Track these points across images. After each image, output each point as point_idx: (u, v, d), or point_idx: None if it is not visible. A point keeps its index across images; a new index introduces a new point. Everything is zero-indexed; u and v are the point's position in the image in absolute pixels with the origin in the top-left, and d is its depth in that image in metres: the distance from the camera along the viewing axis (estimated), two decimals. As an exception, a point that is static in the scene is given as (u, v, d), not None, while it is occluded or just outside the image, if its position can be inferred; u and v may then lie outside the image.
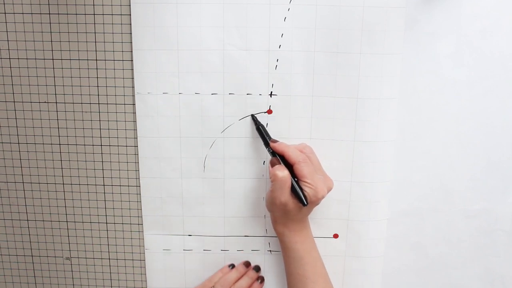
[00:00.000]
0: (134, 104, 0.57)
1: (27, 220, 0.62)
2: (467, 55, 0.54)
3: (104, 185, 0.60)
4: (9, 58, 0.56)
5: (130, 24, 0.54)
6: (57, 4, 0.54)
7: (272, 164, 0.53)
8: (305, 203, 0.51)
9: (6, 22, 0.55)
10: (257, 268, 0.61)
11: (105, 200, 0.60)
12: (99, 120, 0.58)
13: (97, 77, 0.56)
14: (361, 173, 0.57)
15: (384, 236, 0.60)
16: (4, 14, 0.55)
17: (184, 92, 0.56)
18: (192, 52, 0.55)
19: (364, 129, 0.56)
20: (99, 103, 0.57)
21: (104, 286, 0.63)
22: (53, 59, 0.56)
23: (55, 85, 0.57)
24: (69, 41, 0.55)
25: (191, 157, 0.58)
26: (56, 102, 0.57)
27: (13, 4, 0.54)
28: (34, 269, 0.64)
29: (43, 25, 0.55)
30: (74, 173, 0.60)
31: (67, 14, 0.54)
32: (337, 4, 0.52)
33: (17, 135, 0.59)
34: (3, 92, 0.57)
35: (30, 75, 0.57)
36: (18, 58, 0.56)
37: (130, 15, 0.54)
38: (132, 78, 0.56)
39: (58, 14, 0.54)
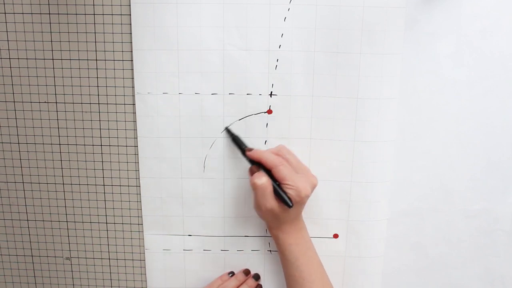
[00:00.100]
0: (134, 104, 0.57)
1: (27, 220, 0.62)
2: (467, 55, 0.54)
3: (104, 185, 0.60)
4: (9, 58, 0.56)
5: (130, 24, 0.54)
6: (57, 4, 0.54)
7: (252, 172, 0.53)
8: (290, 205, 0.51)
9: (6, 22, 0.55)
10: (257, 277, 0.61)
11: (105, 200, 0.60)
12: (99, 120, 0.58)
13: (97, 77, 0.56)
14: (361, 173, 0.57)
15: (384, 236, 0.60)
16: (4, 14, 0.55)
17: (184, 92, 0.56)
18: (192, 52, 0.55)
19: (364, 129, 0.56)
20: (99, 103, 0.57)
21: (104, 286, 0.63)
22: (53, 59, 0.56)
23: (55, 85, 0.57)
24: (69, 41, 0.55)
25: (191, 157, 0.58)
26: (56, 102, 0.57)
27: (13, 4, 0.54)
28: (34, 269, 0.64)
29: (43, 25, 0.55)
30: (74, 173, 0.60)
31: (67, 14, 0.54)
32: (337, 4, 0.52)
33: (17, 135, 0.59)
34: (3, 92, 0.57)
35: (30, 75, 0.57)
36: (18, 58, 0.56)
37: (130, 15, 0.54)
38: (132, 78, 0.56)
39: (58, 14, 0.54)
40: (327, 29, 0.53)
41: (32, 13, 0.55)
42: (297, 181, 0.51)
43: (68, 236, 0.62)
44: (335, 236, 0.60)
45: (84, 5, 0.54)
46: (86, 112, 0.57)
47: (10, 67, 0.56)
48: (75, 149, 0.59)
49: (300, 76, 0.55)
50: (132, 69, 0.56)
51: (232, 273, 0.61)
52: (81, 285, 0.64)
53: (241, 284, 0.60)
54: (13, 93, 0.57)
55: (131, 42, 0.55)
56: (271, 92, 0.56)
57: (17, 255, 0.63)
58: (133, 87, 0.56)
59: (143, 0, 0.53)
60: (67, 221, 0.62)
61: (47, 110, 0.58)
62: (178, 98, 0.56)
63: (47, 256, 0.63)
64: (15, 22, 0.55)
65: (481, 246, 0.60)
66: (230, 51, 0.54)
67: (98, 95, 0.57)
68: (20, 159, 0.59)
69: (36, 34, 0.55)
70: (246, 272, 0.61)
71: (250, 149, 0.54)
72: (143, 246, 0.61)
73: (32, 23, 0.55)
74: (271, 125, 0.57)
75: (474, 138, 0.57)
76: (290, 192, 0.51)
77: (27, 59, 0.56)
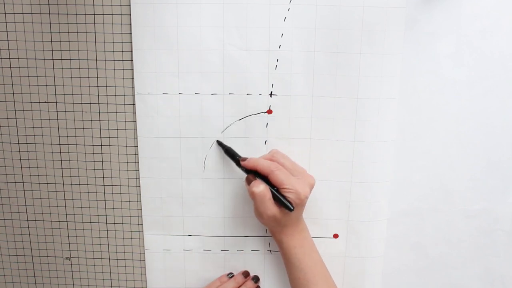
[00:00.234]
0: (134, 104, 0.57)
1: (27, 220, 0.62)
2: (467, 55, 0.54)
3: (104, 185, 0.60)
4: (9, 58, 0.56)
5: (130, 24, 0.54)
6: (57, 4, 0.54)
7: (249, 182, 0.53)
8: (292, 208, 0.51)
9: (6, 22, 0.55)
10: (256, 279, 0.61)
11: (105, 200, 0.60)
12: (99, 120, 0.58)
13: (97, 77, 0.56)
14: (361, 173, 0.57)
15: (384, 236, 0.60)
16: (4, 14, 0.55)
17: (184, 92, 0.56)
18: (192, 52, 0.55)
19: (364, 129, 0.56)
20: (99, 103, 0.57)
21: (104, 286, 0.63)
22: (53, 59, 0.56)
23: (55, 85, 0.57)
24: (69, 41, 0.55)
25: (191, 157, 0.58)
26: (56, 102, 0.57)
27: (13, 4, 0.54)
28: (34, 269, 0.64)
29: (43, 25, 0.55)
30: (74, 173, 0.60)
31: (67, 14, 0.54)
32: (337, 4, 0.52)
33: (17, 135, 0.59)
34: (3, 92, 0.57)
35: (30, 75, 0.57)
36: (18, 58, 0.56)
37: (130, 15, 0.54)
38: (132, 78, 0.56)
39: (58, 14, 0.54)
40: (327, 29, 0.53)
41: (32, 13, 0.55)
42: (295, 184, 0.51)
43: (68, 236, 0.62)
44: (335, 236, 0.60)
45: (84, 5, 0.54)
46: (86, 112, 0.57)
47: (10, 67, 0.56)
48: (75, 149, 0.59)
49: (300, 76, 0.55)
50: (132, 69, 0.56)
51: (231, 274, 0.61)
52: (81, 285, 0.64)
53: (240, 286, 0.60)
54: (13, 93, 0.57)
55: (131, 42, 0.55)
56: (271, 92, 0.56)
57: (17, 255, 0.63)
58: (133, 87, 0.56)
59: (143, 0, 0.53)
60: (67, 221, 0.62)
61: (47, 110, 0.58)
62: (178, 98, 0.56)
63: (47, 256, 0.63)
64: (15, 22, 0.55)
65: (481, 246, 0.60)
66: (230, 51, 0.54)
67: (98, 95, 0.57)
68: (20, 159, 0.59)
69: (36, 34, 0.55)
70: (246, 274, 0.61)
71: (244, 159, 0.54)
72: (143, 246, 0.61)
73: (32, 23, 0.55)
74: (271, 125, 0.57)
75: (474, 138, 0.57)
76: (290, 195, 0.51)
77: (27, 59, 0.56)
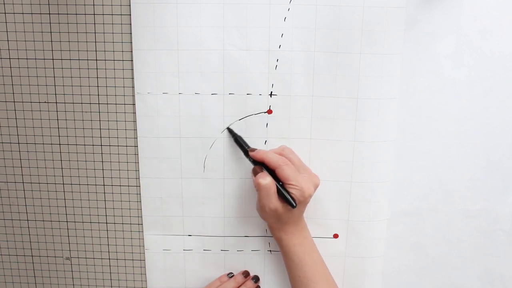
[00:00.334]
0: (134, 104, 0.57)
1: (27, 220, 0.62)
2: (467, 55, 0.54)
3: (104, 185, 0.60)
4: (9, 58, 0.56)
5: (130, 24, 0.54)
6: (57, 4, 0.54)
7: (255, 173, 0.53)
8: (294, 205, 0.51)
9: (6, 22, 0.55)
10: (256, 279, 0.61)
11: (105, 200, 0.60)
12: (99, 120, 0.58)
13: (97, 77, 0.56)
14: (361, 173, 0.57)
15: (384, 236, 0.60)
16: (4, 14, 0.55)
17: (184, 92, 0.56)
18: (192, 52, 0.55)
19: (364, 129, 0.56)
20: (99, 103, 0.57)
21: (104, 286, 0.63)
22: (53, 59, 0.56)
23: (55, 85, 0.57)
24: (69, 41, 0.55)
25: (191, 157, 0.58)
26: (56, 102, 0.57)
27: (13, 4, 0.54)
28: (34, 269, 0.64)
29: (43, 25, 0.55)
30: (74, 173, 0.60)
31: (67, 14, 0.54)
32: (337, 4, 0.52)
33: (17, 135, 0.59)
34: (3, 92, 0.57)
35: (30, 75, 0.57)
36: (18, 58, 0.56)
37: (130, 15, 0.54)
38: (132, 78, 0.56)
39: (58, 14, 0.54)
40: (327, 29, 0.53)
41: (32, 13, 0.55)
42: (301, 181, 0.51)
43: (68, 236, 0.62)
44: (335, 236, 0.60)
45: (84, 5, 0.54)
46: (86, 112, 0.57)
47: (10, 67, 0.56)
48: (75, 149, 0.59)
49: (300, 76, 0.55)
50: (132, 69, 0.55)
51: (231, 274, 0.61)
52: (81, 285, 0.64)
53: (240, 286, 0.60)
54: (13, 93, 0.57)
55: (131, 42, 0.55)
56: (271, 92, 0.56)
57: (17, 255, 0.63)
58: (133, 87, 0.56)
59: (143, 0, 0.53)
60: (67, 221, 0.62)
61: (47, 110, 0.58)
62: (178, 98, 0.56)
63: (47, 256, 0.63)
64: (15, 22, 0.55)
65: (481, 246, 0.60)
66: (230, 51, 0.54)
67: (98, 95, 0.57)
68: (20, 159, 0.59)
69: (36, 34, 0.55)
70: (246, 273, 0.61)
71: (253, 149, 0.54)
72: (143, 246, 0.61)
73: (32, 23, 0.55)
74: (271, 125, 0.57)
75: (474, 138, 0.57)
76: (294, 192, 0.51)
77: (27, 59, 0.56)
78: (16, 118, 0.58)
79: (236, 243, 0.61)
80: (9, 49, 0.56)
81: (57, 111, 0.58)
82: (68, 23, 0.55)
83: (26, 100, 0.57)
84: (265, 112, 0.56)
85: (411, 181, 0.58)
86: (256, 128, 0.57)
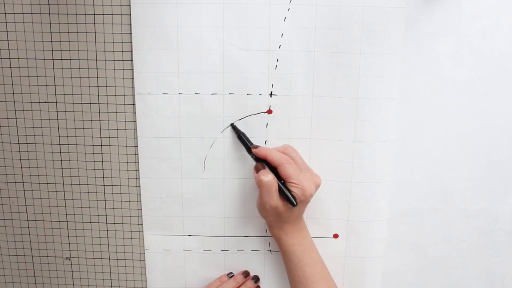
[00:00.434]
0: (134, 104, 0.57)
1: (27, 220, 0.62)
2: (467, 55, 0.54)
3: (104, 185, 0.60)
4: (9, 58, 0.56)
5: (130, 24, 0.54)
6: (57, 4, 0.54)
7: (257, 170, 0.53)
8: (295, 204, 0.51)
9: (6, 22, 0.55)
10: (256, 279, 0.61)
11: (105, 200, 0.60)
12: (99, 120, 0.58)
13: (97, 77, 0.56)
14: (361, 173, 0.57)
15: (384, 236, 0.60)
16: (4, 14, 0.55)
17: (184, 92, 0.56)
18: (192, 52, 0.55)
19: (364, 129, 0.56)
20: (99, 103, 0.57)
21: (104, 286, 0.63)
22: (53, 59, 0.56)
23: (55, 85, 0.57)
24: (69, 41, 0.55)
25: (191, 157, 0.58)
26: (56, 102, 0.57)
27: (13, 4, 0.54)
28: (34, 269, 0.64)
29: (43, 25, 0.55)
30: (74, 173, 0.60)
31: (67, 14, 0.54)
32: (337, 4, 0.52)
33: (17, 135, 0.59)
34: (3, 92, 0.57)
35: (30, 75, 0.57)
36: (18, 58, 0.56)
37: (130, 15, 0.54)
38: (132, 78, 0.56)
39: (58, 14, 0.54)
40: (327, 29, 0.53)
41: (32, 13, 0.55)
42: (303, 180, 0.51)
43: (68, 236, 0.62)
44: (335, 236, 0.60)
45: (84, 5, 0.54)
46: (86, 112, 0.57)
47: (10, 67, 0.56)
48: (75, 149, 0.59)
49: (300, 76, 0.55)
50: (132, 69, 0.56)
51: (231, 274, 0.61)
52: (81, 285, 0.64)
53: (240, 286, 0.60)
54: (13, 93, 0.57)
55: (131, 42, 0.55)
56: (271, 92, 0.56)
57: (17, 255, 0.63)
58: (133, 87, 0.56)
59: (143, 0, 0.53)
60: (67, 221, 0.62)
61: (47, 110, 0.58)
62: (178, 98, 0.56)
63: (47, 256, 0.63)
64: (15, 22, 0.55)
65: (481, 246, 0.60)
66: (230, 51, 0.54)
67: (98, 95, 0.57)
68: (20, 159, 0.59)
69: (36, 34, 0.55)
70: (246, 273, 0.61)
71: (256, 146, 0.54)
72: (143, 246, 0.61)
73: (32, 23, 0.55)
74: (271, 125, 0.57)
75: (474, 138, 0.57)
76: (295, 190, 0.51)
77: (27, 59, 0.56)
78: (16, 118, 0.58)
79: (236, 243, 0.61)
80: (9, 49, 0.56)
81: (57, 111, 0.58)
82: (68, 23, 0.55)
83: (26, 100, 0.57)
84: (265, 112, 0.56)
85: (411, 181, 0.58)
86: (256, 128, 0.57)
